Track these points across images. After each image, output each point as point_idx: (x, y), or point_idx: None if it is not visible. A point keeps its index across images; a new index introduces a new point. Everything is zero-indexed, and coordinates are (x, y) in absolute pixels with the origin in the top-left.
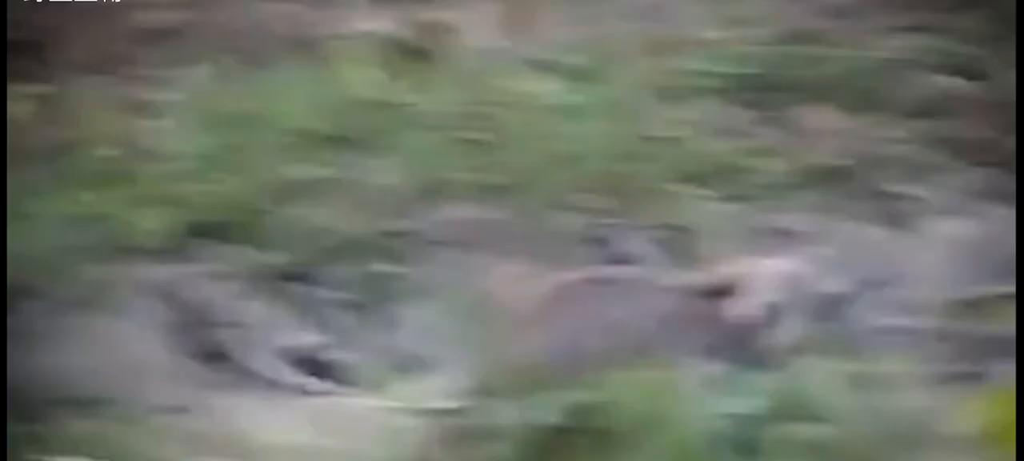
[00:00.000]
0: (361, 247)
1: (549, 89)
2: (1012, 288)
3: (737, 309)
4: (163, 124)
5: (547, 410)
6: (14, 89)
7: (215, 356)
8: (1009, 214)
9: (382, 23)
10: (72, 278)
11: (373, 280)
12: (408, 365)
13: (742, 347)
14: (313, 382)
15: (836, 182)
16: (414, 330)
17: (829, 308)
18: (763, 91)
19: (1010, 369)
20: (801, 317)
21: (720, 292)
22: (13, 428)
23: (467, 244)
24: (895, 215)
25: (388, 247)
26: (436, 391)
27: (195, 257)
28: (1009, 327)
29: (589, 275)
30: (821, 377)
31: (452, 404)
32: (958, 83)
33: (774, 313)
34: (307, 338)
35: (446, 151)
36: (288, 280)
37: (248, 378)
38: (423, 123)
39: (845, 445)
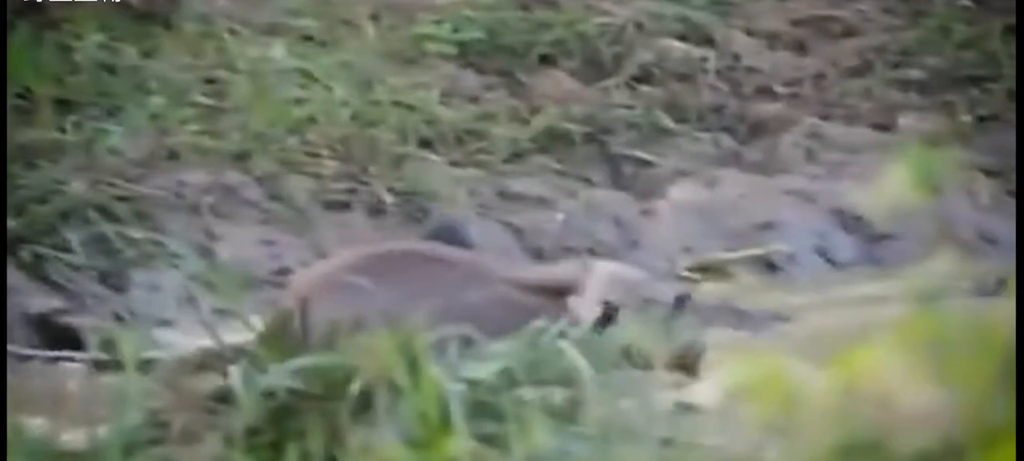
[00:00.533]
0: (94, 211)
1: (280, 53)
2: (745, 251)
3: (577, 308)
4: None
5: (284, 374)
6: None
7: None
8: (739, 177)
9: None
10: None
11: (106, 244)
12: (142, 329)
13: None
14: (47, 346)
15: (570, 147)
16: (149, 294)
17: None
18: (495, 56)
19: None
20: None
21: (555, 290)
22: None
23: (200, 208)
24: (628, 179)
25: (121, 211)
26: (172, 356)
27: None
28: (740, 291)
29: (410, 249)
30: (563, 343)
31: (188, 369)
32: (688, 49)
33: (611, 313)
34: (41, 302)
35: (177, 115)
36: (20, 243)
37: None
38: (153, 87)
39: (586, 409)
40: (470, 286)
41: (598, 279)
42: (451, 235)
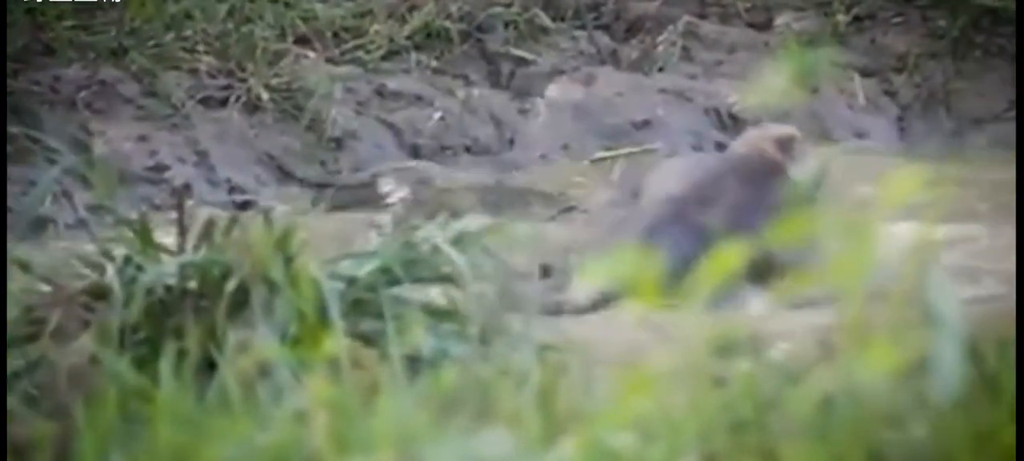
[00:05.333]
0: None
1: None
2: (621, 149)
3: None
4: None
5: (163, 272)
6: None
7: None
8: (616, 75)
9: None
10: None
11: None
12: (24, 227)
13: None
14: None
15: (447, 45)
16: (25, 190)
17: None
18: None
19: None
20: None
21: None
22: None
23: (76, 104)
24: (506, 78)
25: None
26: (57, 254)
27: None
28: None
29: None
30: (438, 240)
31: (74, 268)
32: None
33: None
34: None
35: (53, 10)
36: None
37: None
38: None
39: (460, 304)
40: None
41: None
42: None
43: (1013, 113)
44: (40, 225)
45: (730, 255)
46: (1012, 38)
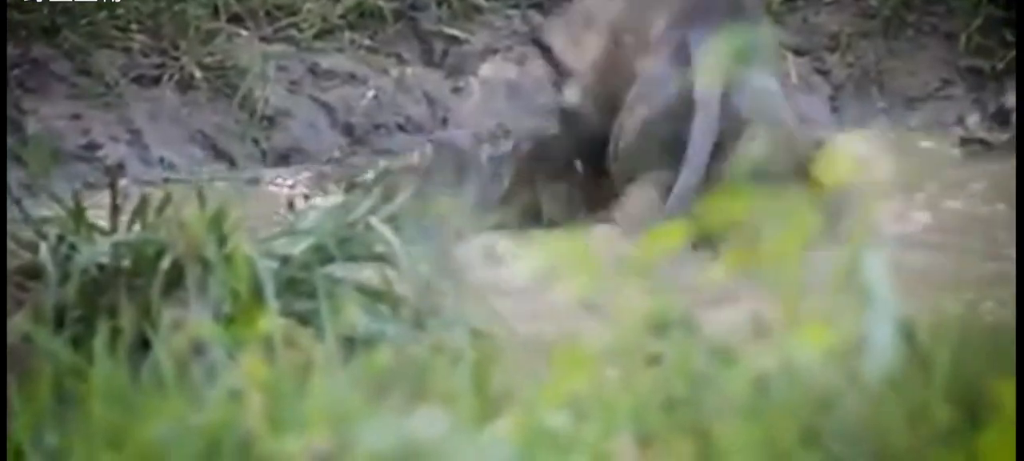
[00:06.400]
0: None
1: None
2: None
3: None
4: None
5: (97, 251)
6: None
7: None
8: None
9: None
10: None
11: None
12: None
13: None
14: None
15: (381, 23)
16: None
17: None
18: None
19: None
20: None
21: None
22: None
23: (9, 82)
24: (439, 56)
25: None
26: None
27: None
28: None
29: None
30: (375, 220)
31: (8, 247)
32: None
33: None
34: None
35: None
36: None
37: None
38: None
39: (394, 283)
40: None
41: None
42: None
43: (946, 92)
44: None
45: (674, 229)
46: (945, 17)
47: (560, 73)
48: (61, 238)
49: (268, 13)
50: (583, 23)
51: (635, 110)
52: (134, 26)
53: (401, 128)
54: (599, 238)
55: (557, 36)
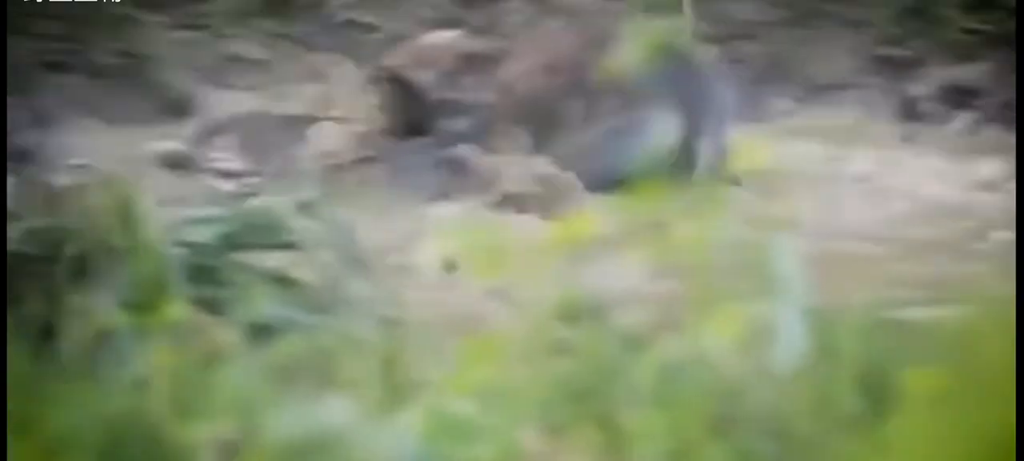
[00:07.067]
0: None
1: None
2: None
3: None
4: None
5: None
6: None
7: None
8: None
9: None
10: None
11: None
12: None
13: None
14: None
15: (292, 10)
16: None
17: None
18: None
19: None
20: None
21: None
22: None
23: None
24: (350, 43)
25: None
26: None
27: None
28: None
29: None
30: (278, 206)
31: None
32: None
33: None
34: None
35: None
36: None
37: None
38: None
39: (303, 271)
40: None
41: None
42: None
43: (859, 80)
44: None
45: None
46: (857, 5)
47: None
48: None
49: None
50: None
51: None
52: (45, 12)
53: (311, 116)
54: (511, 225)
55: None
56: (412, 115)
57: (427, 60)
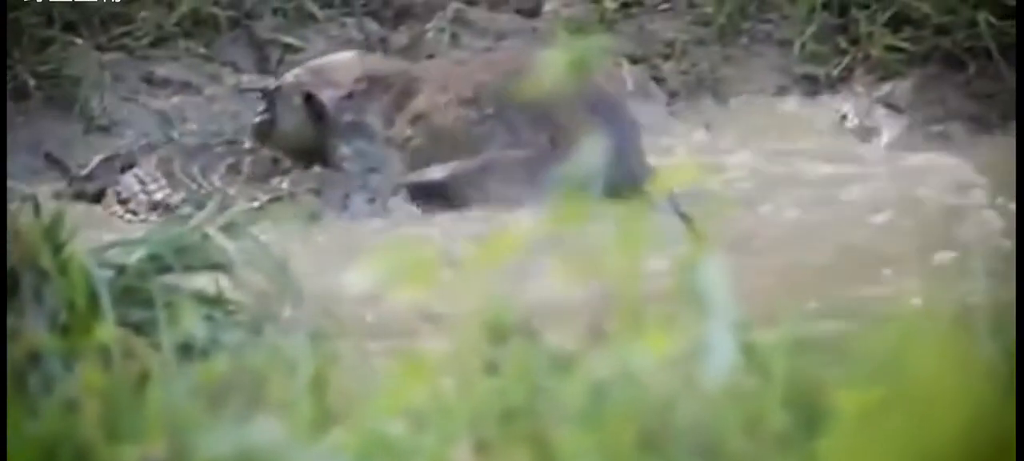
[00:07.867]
0: None
1: None
2: None
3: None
4: None
5: None
6: None
7: None
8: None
9: None
10: None
11: None
12: None
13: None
14: None
15: (215, 31)
16: None
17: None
18: None
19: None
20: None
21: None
22: None
23: None
24: (274, 64)
25: None
26: None
27: None
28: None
29: None
30: (211, 229)
31: None
32: None
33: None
34: None
35: None
36: None
37: None
38: None
39: (231, 292)
40: None
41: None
42: None
43: (779, 97)
44: None
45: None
46: (779, 23)
47: None
48: None
49: (103, 21)
50: None
51: None
52: None
53: (234, 139)
54: (441, 242)
55: None
56: (314, 136)
57: (329, 80)
